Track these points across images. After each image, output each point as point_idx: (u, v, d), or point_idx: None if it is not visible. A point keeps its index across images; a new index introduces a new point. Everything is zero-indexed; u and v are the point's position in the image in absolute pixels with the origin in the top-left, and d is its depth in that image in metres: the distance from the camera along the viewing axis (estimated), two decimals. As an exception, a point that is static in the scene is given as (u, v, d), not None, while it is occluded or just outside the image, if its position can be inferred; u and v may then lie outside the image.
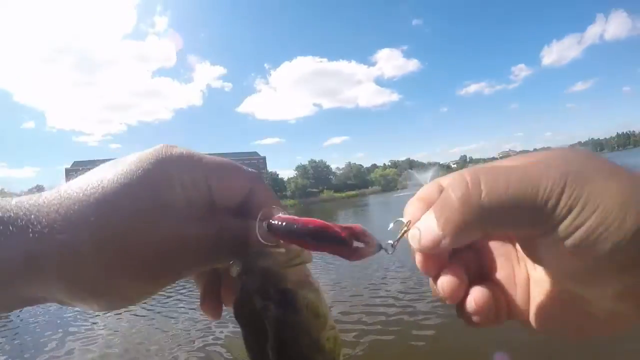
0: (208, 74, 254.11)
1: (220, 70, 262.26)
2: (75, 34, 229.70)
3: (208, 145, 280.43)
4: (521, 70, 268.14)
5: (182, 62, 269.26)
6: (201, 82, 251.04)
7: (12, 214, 0.38)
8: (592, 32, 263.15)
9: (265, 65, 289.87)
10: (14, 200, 0.40)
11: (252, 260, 0.45)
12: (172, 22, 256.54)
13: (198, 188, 0.45)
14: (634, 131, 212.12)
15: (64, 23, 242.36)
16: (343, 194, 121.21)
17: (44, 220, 0.38)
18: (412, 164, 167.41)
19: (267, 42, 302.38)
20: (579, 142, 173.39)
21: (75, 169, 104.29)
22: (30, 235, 0.37)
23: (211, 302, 0.51)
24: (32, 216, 0.38)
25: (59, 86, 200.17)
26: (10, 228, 0.37)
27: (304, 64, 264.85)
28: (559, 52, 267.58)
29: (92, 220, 0.38)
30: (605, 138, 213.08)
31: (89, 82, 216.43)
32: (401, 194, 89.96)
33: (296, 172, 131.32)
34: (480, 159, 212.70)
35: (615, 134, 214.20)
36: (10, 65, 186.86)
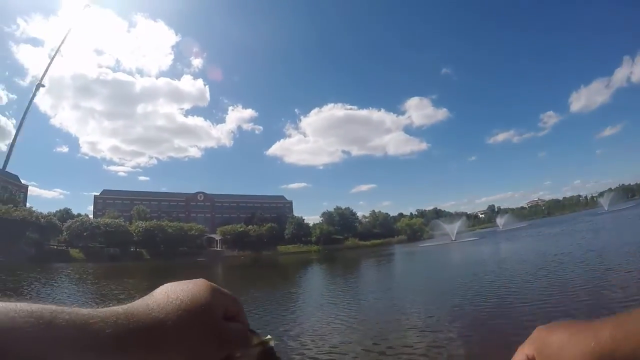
0: (239, 116, 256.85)
1: (251, 113, 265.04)
2: (114, 65, 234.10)
3: (236, 186, 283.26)
4: (550, 118, 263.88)
5: (215, 103, 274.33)
6: (232, 123, 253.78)
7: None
8: (620, 75, 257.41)
9: (296, 110, 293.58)
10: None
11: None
12: (208, 63, 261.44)
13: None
14: None
15: (103, 54, 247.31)
16: (368, 242, 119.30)
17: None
18: (439, 214, 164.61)
19: (299, 88, 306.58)
20: (609, 189, 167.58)
21: (104, 197, 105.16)
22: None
23: None
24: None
25: (94, 115, 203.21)
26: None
27: (334, 111, 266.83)
28: (588, 97, 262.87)
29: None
30: (636, 183, 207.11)
31: (124, 114, 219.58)
32: (428, 244, 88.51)
33: (322, 218, 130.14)
34: (509, 208, 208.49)
35: None
36: (51, 90, 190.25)
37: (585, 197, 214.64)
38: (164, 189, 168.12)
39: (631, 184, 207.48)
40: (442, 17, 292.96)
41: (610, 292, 14.31)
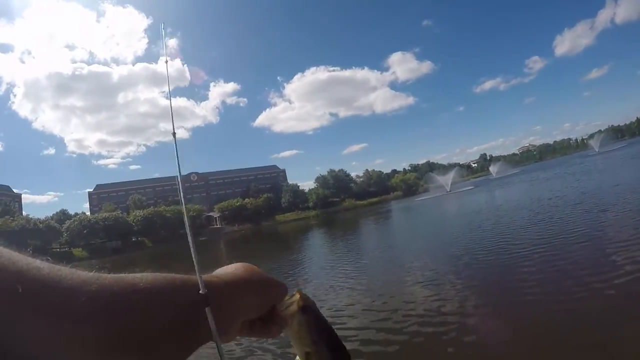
0: (222, 91, 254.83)
1: (234, 86, 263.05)
2: (88, 59, 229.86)
3: (227, 160, 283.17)
4: (535, 63, 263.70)
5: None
6: (216, 99, 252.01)
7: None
8: (603, 16, 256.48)
9: (279, 78, 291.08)
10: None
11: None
12: (183, 42, 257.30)
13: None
14: None
15: (75, 48, 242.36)
16: (365, 202, 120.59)
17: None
18: (432, 167, 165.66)
19: (279, 55, 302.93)
20: (599, 131, 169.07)
21: (98, 192, 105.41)
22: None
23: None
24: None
25: (76, 112, 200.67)
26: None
27: (317, 74, 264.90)
28: (572, 40, 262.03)
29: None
30: (625, 124, 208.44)
31: (106, 106, 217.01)
32: (423, 198, 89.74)
33: (316, 183, 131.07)
34: (500, 155, 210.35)
35: (635, 118, 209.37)
36: (28, 94, 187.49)
37: (576, 139, 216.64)
38: (156, 175, 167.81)
39: (620, 124, 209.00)
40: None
41: (604, 234, 14.80)
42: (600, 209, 19.80)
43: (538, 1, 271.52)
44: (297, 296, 0.89)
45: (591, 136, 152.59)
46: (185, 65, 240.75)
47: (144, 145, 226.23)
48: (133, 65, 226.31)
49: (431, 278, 14.01)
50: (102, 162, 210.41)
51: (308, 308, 0.88)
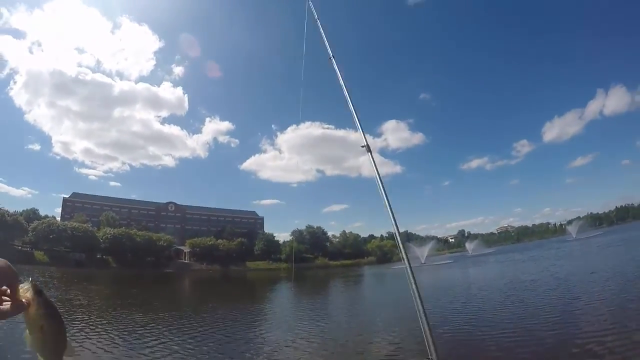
0: (216, 127, 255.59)
1: (228, 125, 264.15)
2: (94, 66, 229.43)
3: (208, 198, 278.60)
4: (523, 146, 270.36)
5: (193, 113, 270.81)
6: (209, 134, 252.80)
7: None
8: (593, 107, 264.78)
9: (273, 126, 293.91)
10: None
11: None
12: (189, 72, 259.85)
13: None
14: (633, 204, 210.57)
15: (84, 52, 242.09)
16: (338, 262, 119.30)
17: None
18: (409, 237, 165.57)
19: (278, 104, 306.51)
20: (578, 217, 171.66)
21: (73, 200, 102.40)
22: None
23: None
24: None
25: (70, 115, 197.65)
26: None
27: (311, 129, 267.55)
28: (561, 127, 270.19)
29: None
30: (605, 212, 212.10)
31: (100, 116, 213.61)
32: (398, 266, 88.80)
33: (292, 236, 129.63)
34: (479, 234, 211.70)
35: (615, 207, 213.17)
36: (28, 84, 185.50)
37: (555, 224, 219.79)
38: (134, 197, 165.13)
39: (599, 212, 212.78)
40: (423, 44, 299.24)
41: (575, 322, 14.72)
42: (574, 297, 20.07)
43: (532, 87, 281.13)
44: (32, 283, 1.23)
45: (570, 222, 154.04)
46: (186, 95, 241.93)
47: (129, 164, 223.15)
48: (136, 83, 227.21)
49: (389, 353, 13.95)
50: (84, 171, 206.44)
51: (42, 291, 1.21)
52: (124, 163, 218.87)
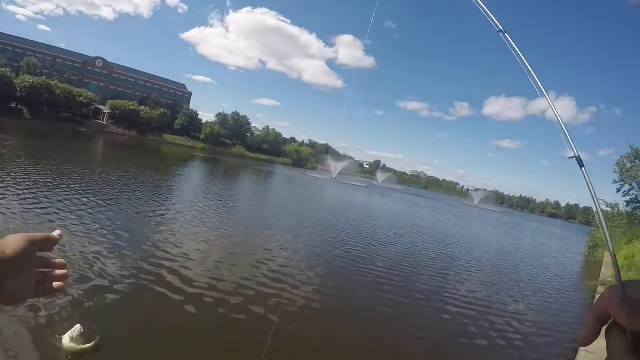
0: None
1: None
2: None
3: (140, 61, 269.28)
4: (462, 108, 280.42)
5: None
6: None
7: None
8: (539, 104, 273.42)
9: (228, 2, 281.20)
10: None
11: None
12: None
13: None
14: (535, 199, 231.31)
15: None
16: (254, 155, 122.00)
17: None
18: (328, 150, 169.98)
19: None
20: (485, 189, 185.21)
21: None
22: None
23: None
24: None
25: None
26: None
27: (267, 17, 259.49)
28: (503, 107, 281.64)
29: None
30: (509, 195, 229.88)
31: None
32: (309, 174, 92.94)
33: (216, 118, 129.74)
34: (393, 169, 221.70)
35: (520, 195, 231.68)
36: None
37: (462, 187, 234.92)
38: (62, 45, 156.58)
39: (505, 193, 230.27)
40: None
41: (445, 278, 17.12)
42: (453, 256, 22.84)
43: (492, 61, 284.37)
44: None
45: (476, 190, 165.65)
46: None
47: (64, 8, 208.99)
48: None
49: (278, 247, 16.25)
50: (12, 8, 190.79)
51: None
52: (58, 6, 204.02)
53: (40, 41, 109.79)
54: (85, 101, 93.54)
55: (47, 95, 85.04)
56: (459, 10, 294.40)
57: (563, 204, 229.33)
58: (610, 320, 0.58)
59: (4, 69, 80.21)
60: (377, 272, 15.24)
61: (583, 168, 0.79)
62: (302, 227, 21.03)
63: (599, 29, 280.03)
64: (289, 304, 10.39)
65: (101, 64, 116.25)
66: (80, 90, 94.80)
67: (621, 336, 0.57)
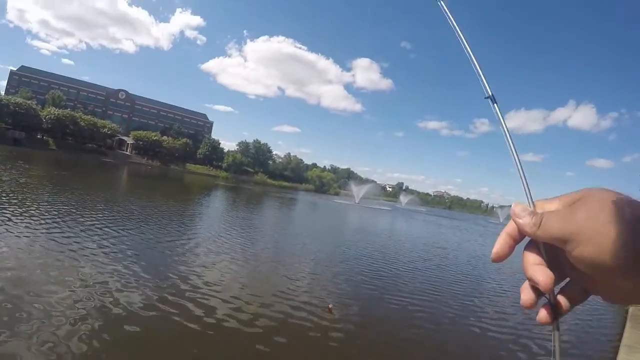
0: (186, 21, 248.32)
1: (199, 21, 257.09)
2: None
3: (160, 92, 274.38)
4: (482, 125, 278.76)
5: (165, 0, 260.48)
6: (177, 26, 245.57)
7: None
8: (560, 114, 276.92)
9: (245, 32, 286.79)
10: None
11: None
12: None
13: None
14: None
15: None
16: (276, 182, 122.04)
17: None
18: (351, 175, 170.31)
19: (255, 10, 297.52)
20: (510, 205, 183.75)
21: (21, 74, 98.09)
22: None
23: None
24: None
25: None
26: None
27: (283, 45, 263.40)
28: (523, 120, 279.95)
29: None
30: None
31: None
32: (334, 199, 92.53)
33: (238, 146, 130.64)
34: (416, 190, 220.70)
35: None
36: None
37: (487, 205, 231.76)
38: (86, 78, 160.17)
39: None
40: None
41: (476, 305, 15.28)
42: (482, 277, 21.69)
43: (510, 75, 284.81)
44: None
45: (501, 207, 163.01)
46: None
47: (86, 43, 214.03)
48: None
49: (307, 273, 15.56)
50: (36, 43, 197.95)
51: None
52: (80, 41, 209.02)
53: (64, 75, 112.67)
54: (109, 132, 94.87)
55: (72, 127, 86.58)
56: (471, 27, 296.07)
57: None
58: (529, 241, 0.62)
59: (30, 102, 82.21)
60: (404, 298, 14.43)
61: (496, 104, 0.78)
62: (326, 253, 20.40)
63: (613, 33, 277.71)
64: (317, 332, 9.84)
65: (124, 96, 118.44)
66: (104, 122, 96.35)
67: (534, 250, 0.63)
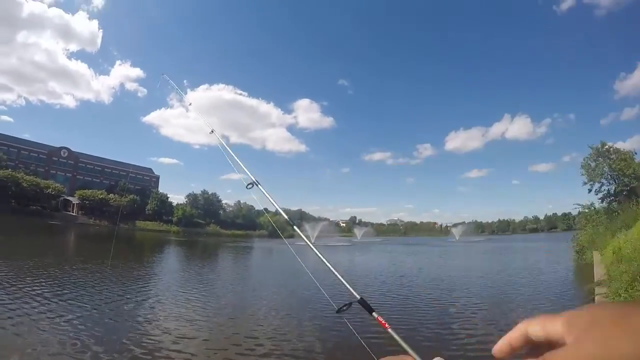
0: (126, 73, 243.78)
1: (139, 73, 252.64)
2: None
3: (104, 148, 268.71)
4: (425, 150, 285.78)
5: (105, 53, 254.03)
6: (117, 79, 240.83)
7: None
8: (497, 129, 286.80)
9: (185, 81, 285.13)
10: None
11: None
12: (109, 6, 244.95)
13: None
14: (514, 219, 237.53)
15: None
16: (229, 232, 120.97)
17: None
18: (303, 216, 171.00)
19: (194, 59, 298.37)
20: (463, 222, 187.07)
21: None
22: None
23: None
24: None
25: None
26: None
27: (223, 92, 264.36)
28: (463, 140, 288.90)
29: None
30: (488, 222, 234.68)
31: (2, 38, 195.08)
32: (288, 242, 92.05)
33: (187, 199, 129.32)
34: (369, 222, 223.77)
35: (498, 219, 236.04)
36: None
37: (441, 225, 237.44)
38: (26, 136, 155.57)
39: (483, 221, 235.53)
40: (355, 33, 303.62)
41: (447, 315, 16.10)
42: (449, 290, 22.28)
43: (446, 96, 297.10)
44: None
45: (455, 225, 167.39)
46: (100, 30, 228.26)
47: (25, 98, 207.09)
48: (49, 7, 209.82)
49: (268, 322, 14.84)
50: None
51: None
52: (19, 96, 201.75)
53: (3, 132, 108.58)
54: (53, 193, 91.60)
55: (13, 189, 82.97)
56: (402, 59, 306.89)
57: (541, 217, 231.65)
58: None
59: (-33, 164, 78.31)
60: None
61: (259, 186, 0.77)
62: (284, 299, 20.37)
63: (534, 41, 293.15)
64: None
65: (66, 154, 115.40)
66: (47, 182, 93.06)
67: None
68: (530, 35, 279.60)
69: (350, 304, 2.54)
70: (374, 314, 2.15)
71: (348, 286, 2.44)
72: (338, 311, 2.63)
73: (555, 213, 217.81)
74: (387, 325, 1.92)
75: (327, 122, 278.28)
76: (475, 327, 14.41)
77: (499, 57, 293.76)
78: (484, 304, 18.42)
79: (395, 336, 1.71)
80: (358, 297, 2.33)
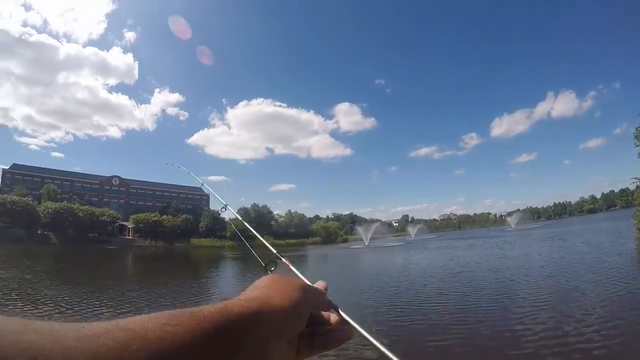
0: (166, 99, 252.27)
1: (178, 97, 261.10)
2: (40, 25, 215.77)
3: (153, 172, 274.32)
4: (471, 139, 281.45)
5: (143, 82, 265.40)
6: (157, 106, 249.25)
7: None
8: (542, 109, 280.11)
9: (224, 100, 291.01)
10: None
11: None
12: (141, 38, 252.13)
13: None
14: (570, 202, 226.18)
15: (31, 10, 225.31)
16: (283, 242, 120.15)
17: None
18: (354, 219, 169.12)
19: (230, 78, 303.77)
20: (518, 210, 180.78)
21: (13, 172, 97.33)
22: None
23: None
24: None
25: (12, 78, 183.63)
26: None
27: (263, 106, 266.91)
28: (509, 124, 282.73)
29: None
30: (543, 207, 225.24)
31: (44, 81, 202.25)
32: (342, 247, 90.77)
33: (238, 213, 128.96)
34: (422, 219, 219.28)
35: (553, 203, 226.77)
36: None
37: (495, 215, 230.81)
38: (77, 169, 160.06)
39: (537, 206, 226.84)
40: (385, 30, 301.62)
41: (510, 310, 14.56)
42: (510, 283, 20.56)
43: (486, 84, 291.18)
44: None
45: (510, 214, 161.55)
46: (136, 62, 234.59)
47: (73, 134, 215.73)
48: (84, 47, 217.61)
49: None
50: (24, 139, 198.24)
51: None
52: (67, 133, 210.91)
53: (56, 168, 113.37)
54: (108, 219, 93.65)
55: (70, 219, 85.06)
56: (436, 48, 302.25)
57: (598, 195, 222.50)
58: None
59: (25, 199, 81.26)
60: (438, 334, 12.88)
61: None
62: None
63: (571, 12, 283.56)
64: None
65: (117, 182, 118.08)
66: (102, 209, 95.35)
67: None
68: (568, 3, 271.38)
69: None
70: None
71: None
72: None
73: (613, 190, 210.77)
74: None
75: (369, 123, 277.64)
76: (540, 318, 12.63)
77: (535, 32, 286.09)
78: (550, 294, 16.50)
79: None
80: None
